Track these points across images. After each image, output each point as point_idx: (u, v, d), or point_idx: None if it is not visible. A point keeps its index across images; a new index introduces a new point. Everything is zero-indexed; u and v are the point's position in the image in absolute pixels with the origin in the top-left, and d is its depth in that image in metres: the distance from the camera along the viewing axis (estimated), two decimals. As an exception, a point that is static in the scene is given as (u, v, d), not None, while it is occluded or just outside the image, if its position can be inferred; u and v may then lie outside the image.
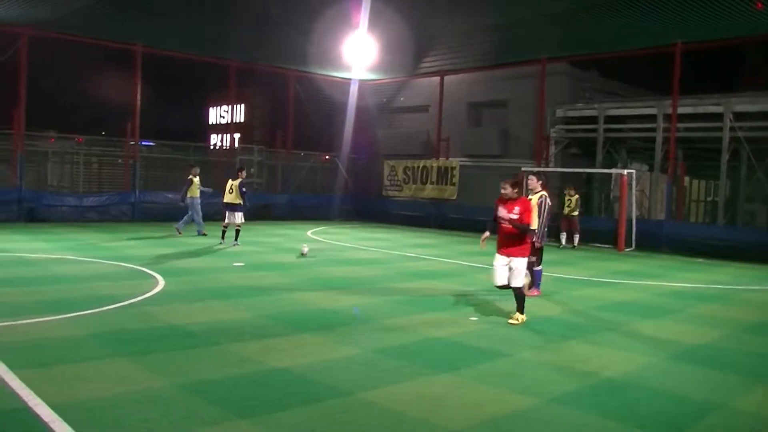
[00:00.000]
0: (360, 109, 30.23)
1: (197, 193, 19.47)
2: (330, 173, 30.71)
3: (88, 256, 14.00)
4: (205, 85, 40.60)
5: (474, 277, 13.46)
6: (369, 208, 29.57)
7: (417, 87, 30.84)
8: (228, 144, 33.85)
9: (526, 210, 9.08)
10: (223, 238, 17.42)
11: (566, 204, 20.44)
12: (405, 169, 28.95)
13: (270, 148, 29.67)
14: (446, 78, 28.07)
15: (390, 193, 29.60)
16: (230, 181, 17.55)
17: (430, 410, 5.64)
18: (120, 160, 25.88)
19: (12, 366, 6.20)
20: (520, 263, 9.09)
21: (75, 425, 4.90)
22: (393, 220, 27.96)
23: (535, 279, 11.23)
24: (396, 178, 29.36)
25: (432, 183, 27.69)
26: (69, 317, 8.44)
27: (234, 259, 14.66)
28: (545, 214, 10.84)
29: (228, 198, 17.33)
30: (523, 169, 21.84)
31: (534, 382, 6.54)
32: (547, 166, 24.41)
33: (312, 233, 21.45)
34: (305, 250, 15.80)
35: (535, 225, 10.22)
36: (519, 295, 9.23)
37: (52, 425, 4.91)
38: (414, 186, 28.48)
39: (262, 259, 15.03)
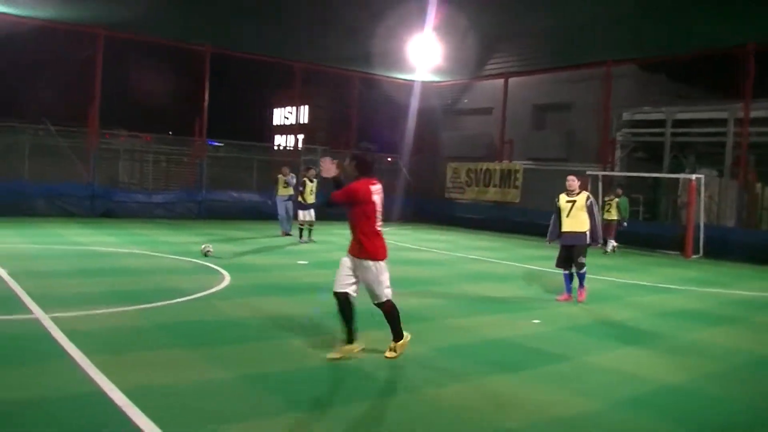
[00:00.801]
0: (423, 111, 30.22)
1: (285, 192, 19.55)
2: (392, 175, 30.79)
3: (156, 251, 14.40)
4: (270, 86, 41.16)
5: (536, 281, 13.34)
6: (431, 210, 29.56)
7: (481, 89, 30.71)
8: (292, 145, 34.30)
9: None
10: (301, 236, 18.17)
11: (605, 209, 19.87)
12: (468, 171, 28.85)
13: (333, 149, 29.93)
14: (510, 80, 27.89)
15: (452, 195, 29.54)
16: (306, 181, 18.17)
17: (492, 409, 5.64)
18: (186, 159, 26.49)
19: (88, 352, 6.44)
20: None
21: (147, 410, 5.06)
22: (455, 222, 27.89)
23: (581, 281, 10.98)
24: (459, 181, 29.28)
25: (495, 186, 27.52)
26: (140, 308, 8.71)
27: (298, 257, 14.88)
28: (597, 214, 10.72)
29: (304, 197, 18.13)
30: (587, 172, 21.54)
31: (597, 386, 6.47)
32: (612, 170, 24.01)
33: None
34: (207, 249, 14.24)
35: (586, 226, 10.26)
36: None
37: (125, 410, 5.08)
38: (477, 188, 28.36)
39: (325, 257, 15.19)
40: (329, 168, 7.11)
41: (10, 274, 10.59)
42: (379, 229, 7.17)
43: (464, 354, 7.37)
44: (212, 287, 10.39)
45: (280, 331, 7.95)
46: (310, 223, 18.19)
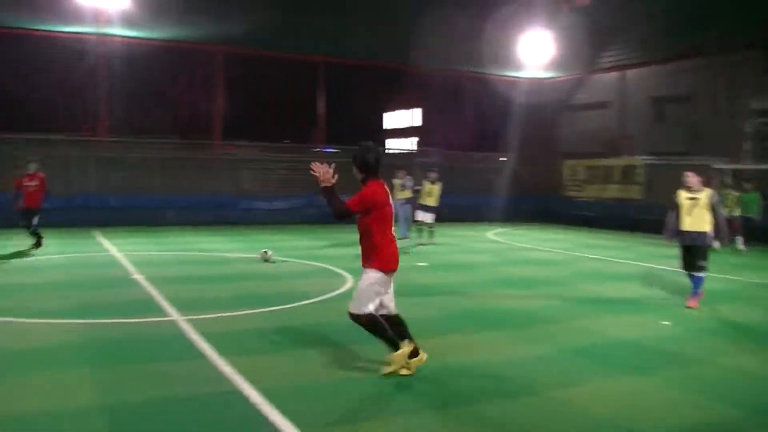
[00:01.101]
0: (537, 108, 29.74)
1: (402, 196, 18.95)
2: (508, 174, 30.44)
3: (281, 255, 14.84)
4: (381, 90, 41.58)
5: (661, 280, 12.87)
6: (548, 208, 29.00)
7: (596, 83, 29.87)
8: (405, 148, 34.49)
9: None
10: (420, 237, 18.28)
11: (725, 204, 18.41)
12: (586, 168, 28.14)
13: (447, 150, 29.91)
14: (627, 72, 27.01)
15: (571, 193, 28.89)
16: (426, 183, 18.24)
17: (623, 412, 5.50)
18: (304, 166, 27.13)
19: (222, 353, 6.75)
20: None
21: (282, 409, 5.25)
22: (573, 221, 27.23)
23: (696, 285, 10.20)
24: (577, 178, 28.61)
25: (615, 182, 26.71)
26: (268, 311, 9.03)
27: (418, 258, 14.97)
28: (721, 212, 10.09)
29: (425, 200, 18.08)
30: (713, 166, 20.57)
31: (734, 390, 6.17)
32: (741, 163, 22.81)
33: (493, 234, 21.44)
34: (267, 255, 14.09)
35: (708, 226, 9.70)
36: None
37: (260, 408, 5.30)
38: (596, 186, 27.60)
39: (444, 259, 15.22)
40: (326, 174, 6.42)
41: (147, 279, 11.22)
42: (393, 235, 6.59)
43: (590, 356, 7.22)
44: (336, 290, 10.63)
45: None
46: (430, 225, 18.20)
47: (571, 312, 9.54)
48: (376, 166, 6.55)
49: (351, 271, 12.47)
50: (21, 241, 15.52)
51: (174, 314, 8.56)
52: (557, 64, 26.32)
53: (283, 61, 26.19)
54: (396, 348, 6.21)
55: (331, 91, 26.88)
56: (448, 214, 21.12)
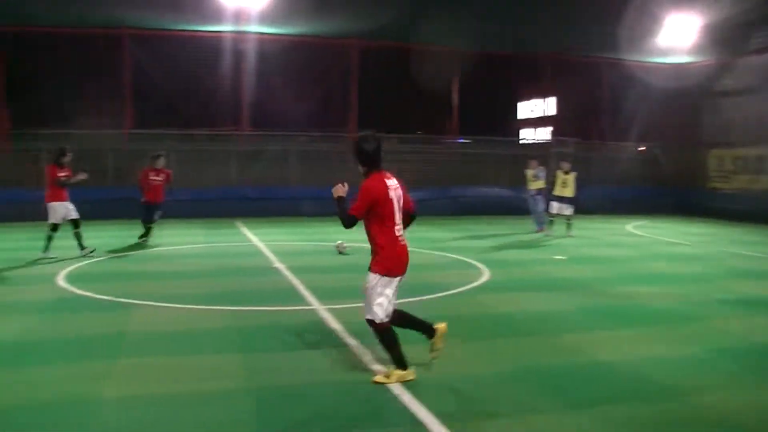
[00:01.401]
0: (679, 95, 28.23)
1: (534, 186, 18.82)
2: (647, 164, 29.17)
3: (416, 247, 14.83)
4: (516, 80, 40.83)
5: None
6: (691, 201, 27.52)
7: (745, 66, 28.00)
8: (540, 138, 33.80)
9: None
10: (552, 228, 18.00)
11: None
12: (735, 158, 26.50)
13: (583, 140, 29.01)
14: (782, 54, 25.12)
15: (716, 185, 27.30)
16: (559, 173, 17.94)
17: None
18: (437, 157, 27.11)
19: (363, 342, 6.80)
20: None
21: (423, 400, 5.25)
22: (719, 214, 25.65)
23: None
24: (724, 169, 27.01)
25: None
26: (407, 302, 8.95)
27: (555, 251, 14.60)
28: None
29: (560, 191, 17.81)
30: None
31: None
32: None
33: (632, 227, 20.60)
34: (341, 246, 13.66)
35: None
36: None
37: (402, 398, 5.34)
38: (745, 177, 25.95)
39: (582, 252, 14.75)
40: (339, 188, 5.99)
41: (288, 268, 11.53)
42: (398, 234, 5.95)
43: (741, 358, 6.76)
44: (473, 282, 10.52)
45: (542, 326, 7.86)
46: (567, 217, 17.74)
47: (718, 312, 8.96)
48: (376, 156, 5.94)
49: (487, 263, 12.31)
50: (168, 230, 16.36)
51: (315, 303, 8.74)
52: (702, 47, 24.90)
53: (417, 52, 26.22)
54: (403, 367, 5.71)
55: (465, 82, 26.68)
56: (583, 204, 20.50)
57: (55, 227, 12.51)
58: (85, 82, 24.71)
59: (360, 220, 5.81)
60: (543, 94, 30.77)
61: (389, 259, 5.85)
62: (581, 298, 9.58)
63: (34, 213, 17.14)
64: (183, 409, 5.09)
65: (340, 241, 13.74)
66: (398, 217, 5.88)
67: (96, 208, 18.20)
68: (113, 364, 6.17)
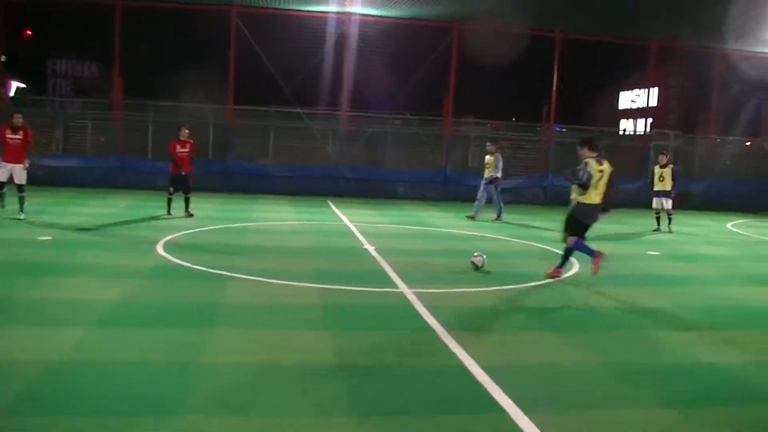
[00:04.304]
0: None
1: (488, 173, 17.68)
2: (755, 160, 27.89)
3: (504, 235, 14.77)
4: (620, 68, 39.67)
5: None
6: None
7: None
8: (640, 129, 32.79)
9: None
10: (658, 224, 17.42)
11: None
12: None
13: (687, 133, 27.98)
14: None
15: (829, 184, 25.86)
16: (658, 168, 17.45)
17: None
18: (531, 145, 26.76)
19: (448, 328, 6.83)
20: None
21: (506, 388, 5.21)
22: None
23: None
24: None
25: None
26: (494, 290, 9.03)
27: (650, 247, 14.22)
28: None
29: (658, 185, 17.30)
30: None
31: None
32: None
33: (732, 225, 19.80)
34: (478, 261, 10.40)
35: None
36: None
37: (485, 385, 5.30)
38: None
39: (680, 249, 14.31)
40: None
41: (377, 250, 11.68)
42: None
43: None
44: (564, 274, 10.37)
45: (639, 321, 7.72)
46: (668, 212, 17.25)
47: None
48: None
49: (577, 256, 12.08)
50: (263, 206, 16.75)
51: (402, 286, 8.83)
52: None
53: (518, 36, 25.85)
54: None
55: (565, 68, 26.13)
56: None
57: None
58: (194, 58, 25.62)
59: None
60: (646, 84, 29.74)
61: None
62: (675, 295, 9.32)
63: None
64: (273, 380, 5.26)
65: (478, 254, 10.56)
66: None
67: (197, 181, 18.91)
68: (208, 332, 6.43)
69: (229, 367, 5.49)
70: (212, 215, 15.67)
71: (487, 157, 17.88)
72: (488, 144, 18.21)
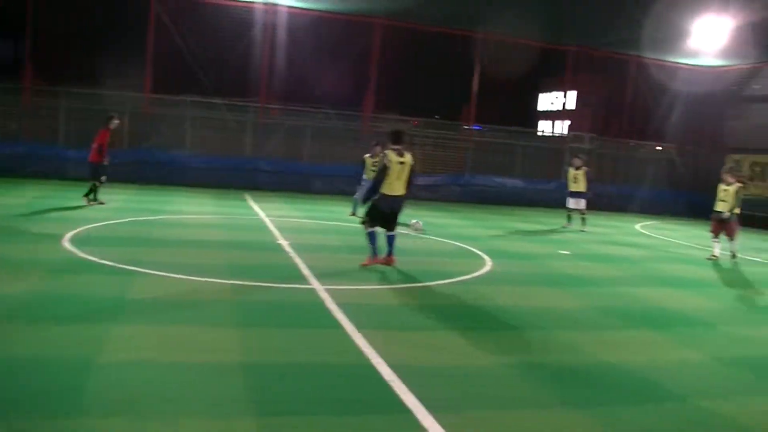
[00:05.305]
0: (703, 98, 27.91)
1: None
2: (664, 165, 28.93)
3: (420, 233, 14.82)
4: (538, 71, 40.48)
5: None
6: (705, 204, 27.14)
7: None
8: (557, 131, 33.57)
9: None
10: (569, 221, 18.25)
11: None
12: (752, 164, 26.23)
13: (601, 137, 28.79)
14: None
15: (731, 190, 27.03)
16: (572, 170, 18.19)
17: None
18: (452, 143, 27.01)
19: (358, 325, 6.78)
20: None
21: (412, 387, 5.20)
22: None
23: None
24: (741, 175, 26.72)
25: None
26: (406, 287, 9.04)
27: (560, 246, 14.54)
28: None
29: (573, 186, 18.04)
30: None
31: None
32: None
33: (641, 227, 20.49)
34: (418, 225, 13.78)
35: None
36: None
37: (391, 384, 5.28)
38: (763, 183, 25.71)
39: (590, 249, 14.69)
40: None
41: (291, 245, 11.54)
42: None
43: (747, 366, 6.69)
44: (475, 272, 10.48)
45: (544, 321, 7.80)
46: (581, 212, 18.00)
47: (730, 318, 8.91)
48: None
49: (491, 254, 12.26)
50: (177, 197, 16.36)
51: (314, 282, 8.73)
52: (731, 51, 24.56)
53: (440, 35, 26.05)
54: None
55: (486, 68, 26.47)
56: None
57: None
58: (110, 43, 24.79)
59: None
60: (564, 88, 30.48)
61: None
62: (584, 295, 9.53)
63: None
64: (175, 379, 5.09)
65: (415, 221, 13.99)
66: None
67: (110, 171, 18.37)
68: (111, 329, 6.19)
69: (130, 366, 5.28)
70: (124, 206, 15.19)
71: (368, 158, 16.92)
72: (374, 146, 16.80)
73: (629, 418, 5.10)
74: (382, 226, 10.13)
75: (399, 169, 9.87)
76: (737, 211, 14.00)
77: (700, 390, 5.82)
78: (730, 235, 13.98)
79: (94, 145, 15.02)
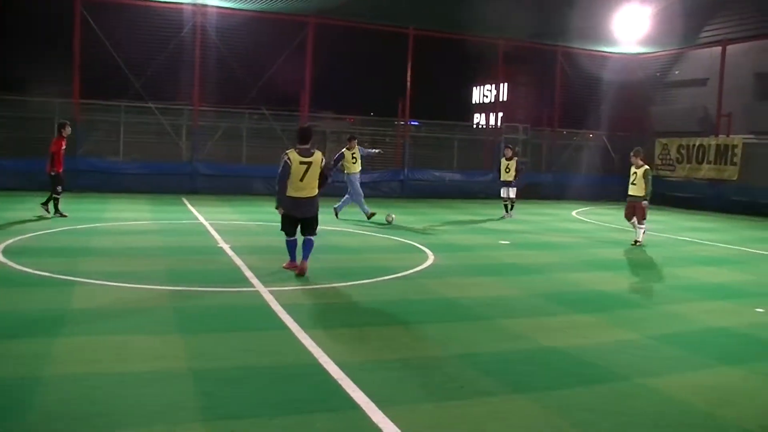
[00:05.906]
0: (629, 85, 28.73)
1: (354, 170, 17.11)
2: (596, 152, 29.61)
3: (363, 229, 14.92)
4: (470, 64, 40.99)
5: (760, 266, 12.32)
6: (636, 188, 28.07)
7: (694, 59, 28.54)
8: (492, 123, 34.03)
9: None
10: (506, 211, 19.00)
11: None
12: (679, 147, 27.08)
13: (534, 127, 29.32)
14: (729, 48, 25.70)
15: (661, 173, 27.86)
16: (504, 161, 18.86)
17: (717, 404, 5.27)
18: (389, 139, 27.18)
19: (304, 326, 6.81)
20: None
21: (361, 385, 5.25)
22: (664, 201, 26.19)
23: None
24: (668, 158, 27.62)
25: (709, 162, 25.63)
26: (350, 285, 9.07)
27: (501, 236, 14.80)
28: None
29: (505, 176, 18.81)
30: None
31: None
32: None
33: (577, 213, 20.96)
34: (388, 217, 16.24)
35: None
36: None
37: (341, 383, 5.31)
38: (689, 166, 26.59)
39: (529, 238, 14.99)
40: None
41: (233, 248, 11.46)
42: None
43: (682, 343, 6.95)
44: (418, 266, 10.59)
45: (489, 311, 7.96)
46: (512, 201, 18.90)
47: (662, 297, 9.26)
48: None
49: (433, 248, 12.41)
50: (114, 205, 16.05)
51: (257, 285, 8.70)
52: (653, 39, 25.33)
53: (373, 32, 26.11)
54: None
55: (419, 64, 26.67)
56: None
57: None
58: (36, 48, 24.09)
59: None
60: (496, 80, 30.94)
61: None
62: (525, 283, 9.74)
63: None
64: (122, 390, 5.03)
65: (390, 214, 16.16)
66: None
67: (32, 180, 18.02)
68: (53, 342, 6.06)
69: (73, 378, 5.19)
70: (60, 216, 14.83)
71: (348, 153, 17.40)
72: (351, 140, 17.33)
73: (577, 400, 5.24)
74: (295, 233, 9.67)
75: (303, 169, 9.24)
76: (644, 193, 14.01)
77: (641, 369, 6.02)
78: (639, 219, 14.16)
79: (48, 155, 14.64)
